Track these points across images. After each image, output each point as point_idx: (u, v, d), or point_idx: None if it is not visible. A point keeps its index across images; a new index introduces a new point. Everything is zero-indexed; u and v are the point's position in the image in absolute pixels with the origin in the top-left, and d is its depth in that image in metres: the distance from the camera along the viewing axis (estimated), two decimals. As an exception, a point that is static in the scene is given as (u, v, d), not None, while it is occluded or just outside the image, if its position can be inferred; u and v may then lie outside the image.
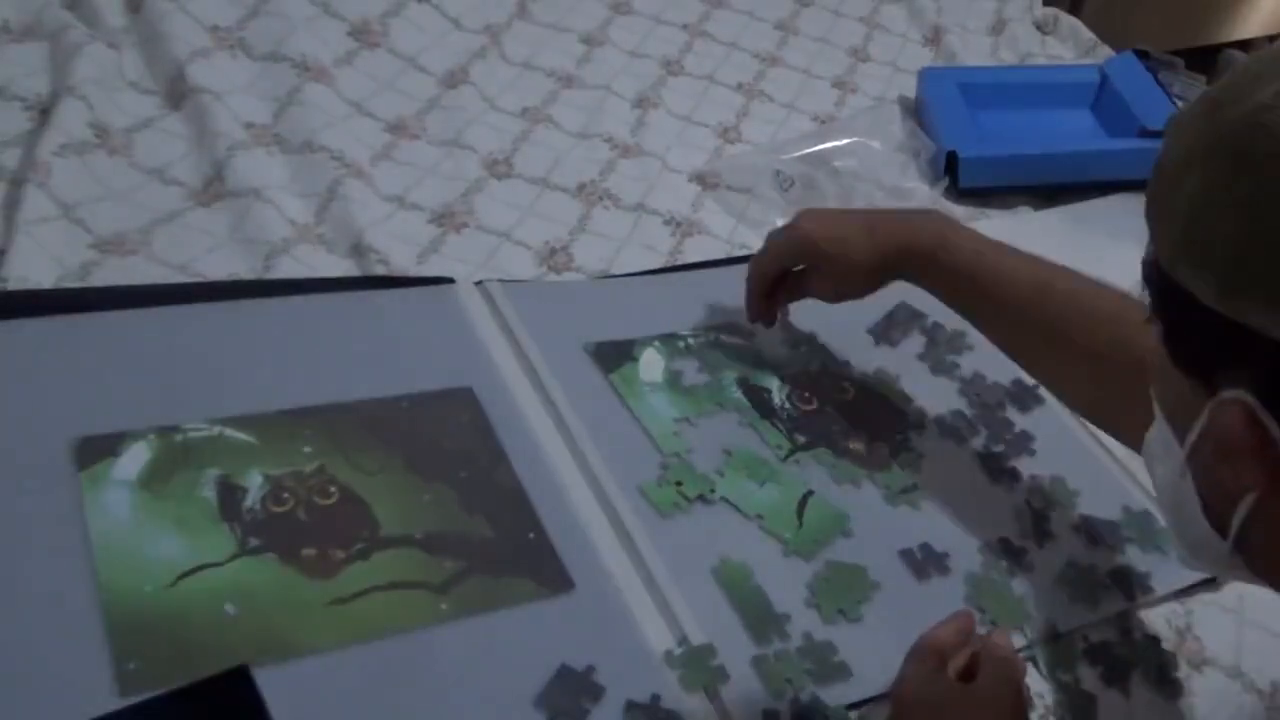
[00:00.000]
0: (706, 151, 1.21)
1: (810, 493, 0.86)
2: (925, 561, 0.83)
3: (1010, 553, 0.85)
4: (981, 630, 0.79)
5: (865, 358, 0.99)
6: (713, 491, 0.84)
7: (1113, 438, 0.87)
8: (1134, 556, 0.88)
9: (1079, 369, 0.81)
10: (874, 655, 0.75)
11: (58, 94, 0.98)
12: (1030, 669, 0.78)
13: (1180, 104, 0.52)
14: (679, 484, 0.83)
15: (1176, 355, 0.52)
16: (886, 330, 1.03)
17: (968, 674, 0.69)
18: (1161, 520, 0.89)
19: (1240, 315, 0.46)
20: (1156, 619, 0.84)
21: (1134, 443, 0.75)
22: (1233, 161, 0.46)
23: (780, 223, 1.12)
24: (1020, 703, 0.69)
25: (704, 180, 1.17)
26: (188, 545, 0.70)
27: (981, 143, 1.25)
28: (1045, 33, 1.63)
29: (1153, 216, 0.51)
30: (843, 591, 0.79)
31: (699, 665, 0.73)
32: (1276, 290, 0.45)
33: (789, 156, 1.19)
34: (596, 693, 0.69)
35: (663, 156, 1.18)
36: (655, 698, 0.70)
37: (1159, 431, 0.57)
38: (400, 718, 0.66)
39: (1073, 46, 1.61)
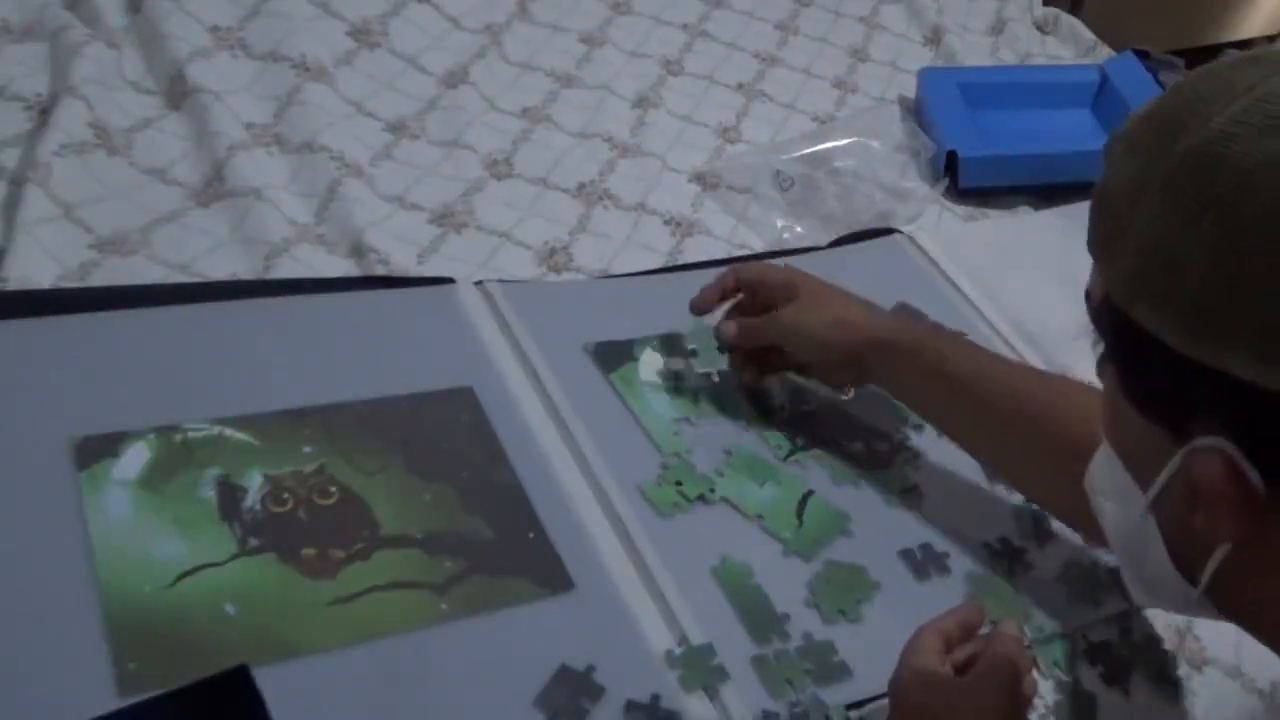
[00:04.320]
0: (706, 151, 1.21)
1: (810, 493, 0.86)
2: (925, 561, 0.83)
3: (1010, 553, 0.85)
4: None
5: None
6: (712, 491, 0.84)
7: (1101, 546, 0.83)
8: (1134, 556, 0.88)
9: (1060, 476, 0.74)
10: (874, 655, 0.75)
11: (58, 94, 0.98)
12: (1030, 669, 0.78)
13: (1123, 124, 0.47)
14: (679, 484, 0.83)
15: (1137, 400, 0.48)
16: (886, 330, 1.03)
17: (968, 667, 0.68)
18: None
19: (1213, 360, 0.42)
20: (1156, 619, 0.84)
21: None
22: (1195, 196, 0.42)
23: (780, 223, 1.13)
24: (1014, 703, 0.66)
25: (704, 180, 1.17)
26: (188, 545, 0.70)
27: (981, 143, 1.25)
28: (1045, 33, 1.63)
29: (1099, 246, 0.47)
30: (843, 591, 0.79)
31: (699, 665, 0.73)
32: (1251, 334, 0.41)
33: (789, 156, 1.19)
34: (596, 693, 0.69)
35: (663, 156, 1.18)
36: (655, 698, 0.70)
37: (1110, 469, 0.54)
38: (400, 718, 0.66)
39: (1073, 46, 1.61)
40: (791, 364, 0.90)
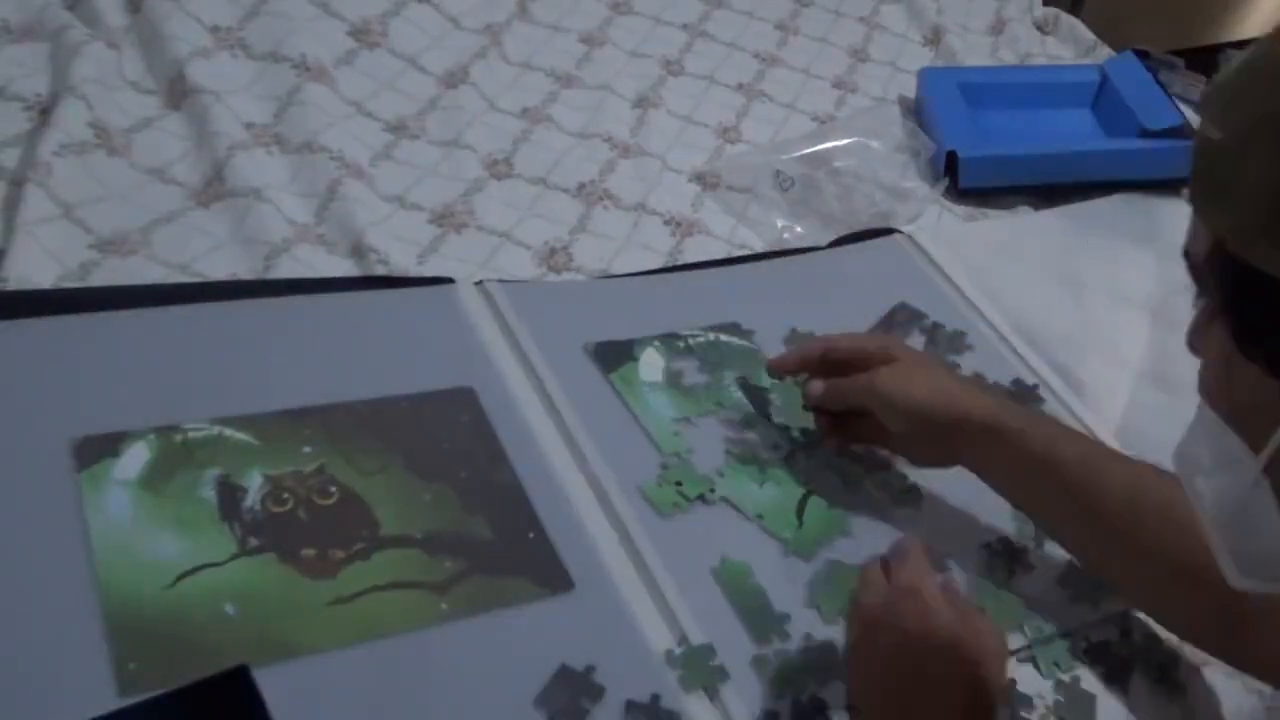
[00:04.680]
0: (706, 151, 1.21)
1: (810, 492, 0.86)
2: (925, 561, 0.83)
3: (1010, 553, 0.85)
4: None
5: (865, 358, 0.99)
6: (712, 491, 0.84)
7: (1224, 661, 0.77)
8: (1134, 556, 0.88)
9: (1150, 573, 0.74)
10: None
11: (58, 94, 0.98)
12: (1030, 669, 0.78)
13: (1219, 78, 0.47)
14: (679, 484, 0.83)
15: (1258, 350, 0.47)
16: (886, 330, 1.03)
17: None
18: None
19: None
20: (1157, 619, 0.84)
21: (1249, 667, 0.72)
22: None
23: (780, 223, 1.13)
24: (929, 625, 0.68)
25: (704, 180, 1.17)
26: (188, 545, 0.70)
27: (981, 143, 1.25)
28: (1045, 33, 1.63)
29: (1205, 199, 0.47)
30: (843, 592, 0.79)
31: (699, 665, 0.73)
32: None
33: (789, 156, 1.19)
34: (596, 693, 0.69)
35: (663, 156, 1.18)
36: (655, 698, 0.70)
37: (1211, 440, 0.52)
38: (400, 718, 0.66)
39: (1073, 46, 1.61)
40: (877, 437, 0.85)
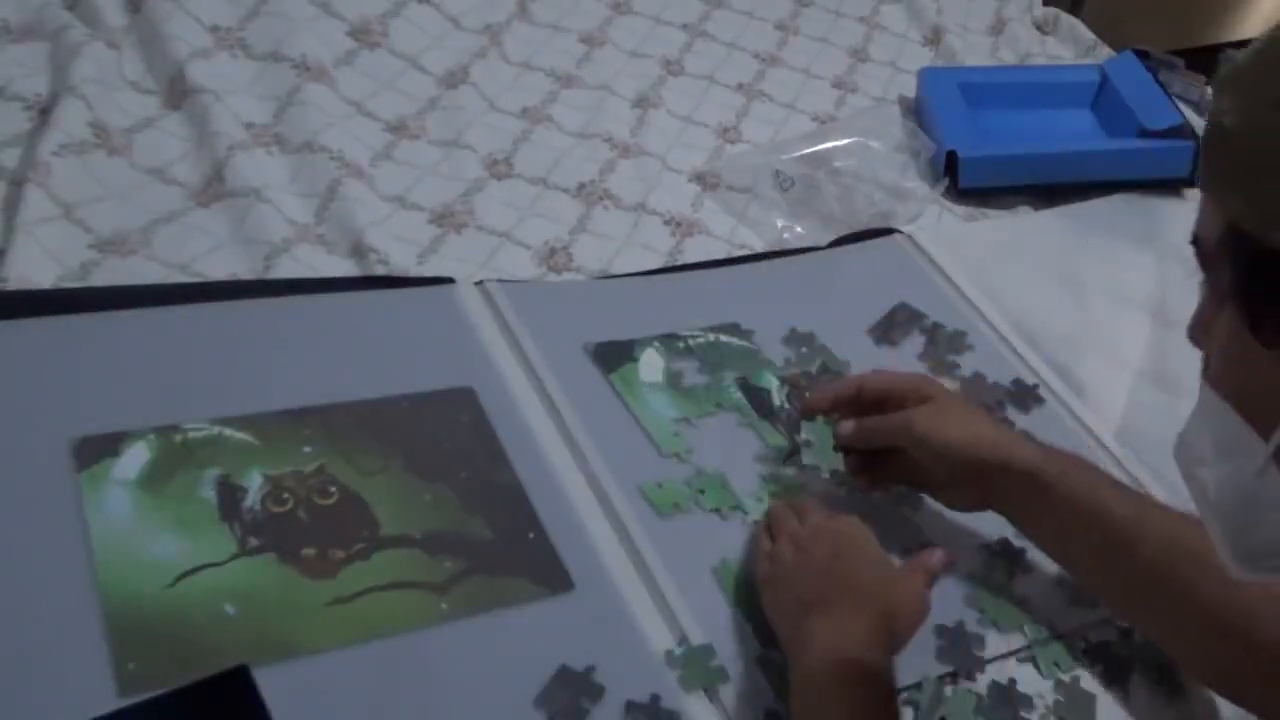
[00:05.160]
0: (706, 151, 1.21)
1: None
2: (925, 561, 0.83)
3: (1010, 553, 0.85)
4: (983, 630, 0.79)
5: (865, 358, 0.99)
6: (734, 508, 0.83)
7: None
8: (1134, 556, 0.88)
9: (1195, 631, 0.72)
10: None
11: (58, 94, 0.98)
12: (1030, 669, 0.78)
13: (1233, 64, 0.47)
14: (701, 492, 0.83)
15: (1269, 334, 0.46)
16: (886, 330, 1.03)
17: None
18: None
19: None
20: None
21: None
22: None
23: (780, 223, 1.13)
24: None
25: (704, 180, 1.17)
26: (188, 545, 0.70)
27: (981, 143, 1.25)
28: (1045, 33, 1.63)
29: (1218, 182, 0.47)
30: None
31: (699, 665, 0.73)
32: None
33: (789, 156, 1.19)
34: (596, 693, 0.69)
35: (663, 156, 1.18)
36: (655, 698, 0.70)
37: (1216, 428, 0.52)
38: (400, 718, 0.66)
39: (1073, 46, 1.61)
40: (908, 477, 0.83)
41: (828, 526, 0.77)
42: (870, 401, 0.83)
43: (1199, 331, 0.52)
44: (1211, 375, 0.52)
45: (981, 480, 0.79)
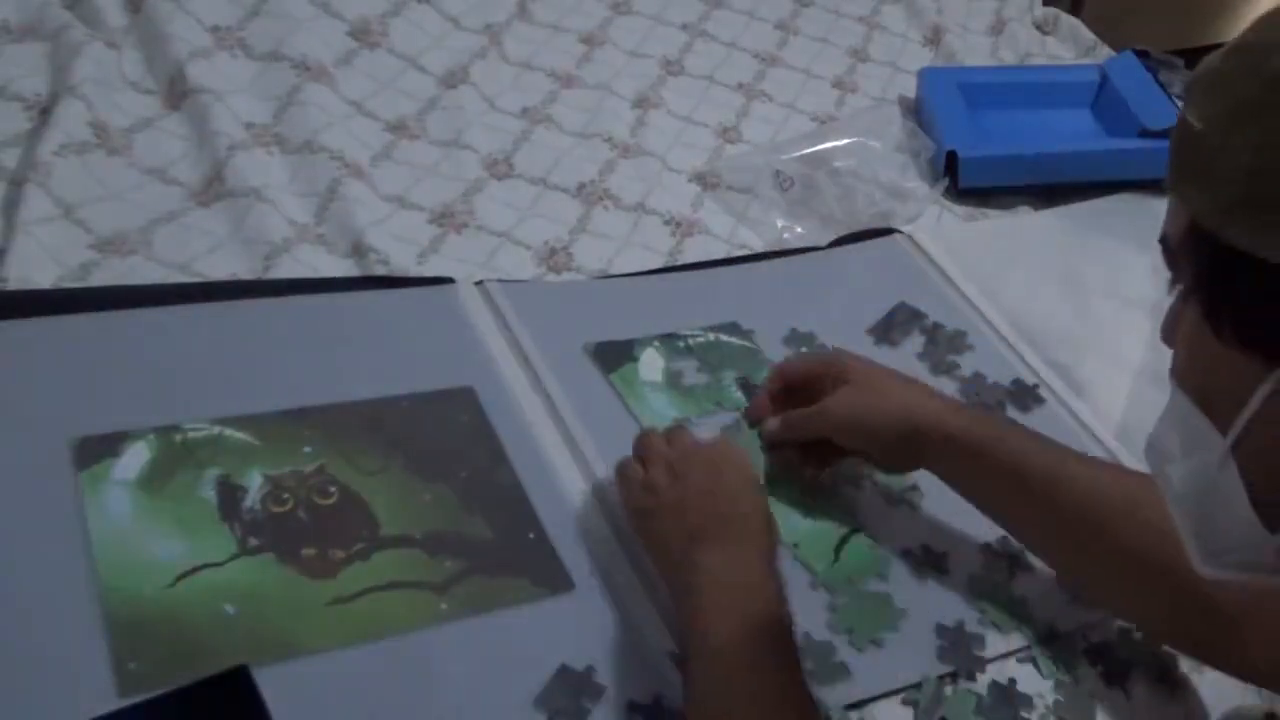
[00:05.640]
0: (706, 151, 1.21)
1: (855, 530, 0.84)
2: (925, 561, 0.83)
3: (1010, 553, 0.85)
4: (983, 630, 0.79)
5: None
6: None
7: (1182, 653, 0.80)
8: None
9: (1118, 574, 0.74)
10: (873, 655, 0.75)
11: (58, 94, 0.98)
12: (1030, 669, 0.78)
13: (1201, 66, 0.49)
14: None
15: (1227, 329, 0.48)
16: (886, 330, 1.03)
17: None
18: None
19: None
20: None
21: (1230, 668, 0.73)
22: None
23: (780, 223, 1.13)
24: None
25: (704, 180, 1.17)
26: (188, 545, 0.70)
27: (981, 143, 1.25)
28: (1045, 33, 1.63)
29: (1183, 181, 0.48)
30: (874, 617, 0.78)
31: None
32: None
33: (789, 156, 1.19)
34: (596, 693, 0.69)
35: (663, 156, 1.18)
36: (657, 699, 0.70)
37: (1178, 424, 0.54)
38: (400, 718, 0.66)
39: (1073, 46, 1.61)
40: (844, 452, 0.84)
41: (700, 450, 0.77)
42: (798, 389, 0.84)
43: (1169, 331, 0.53)
44: (1176, 372, 0.53)
45: (907, 450, 0.80)
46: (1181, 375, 0.53)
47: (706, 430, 0.88)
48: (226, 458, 0.76)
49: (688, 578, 0.70)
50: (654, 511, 0.75)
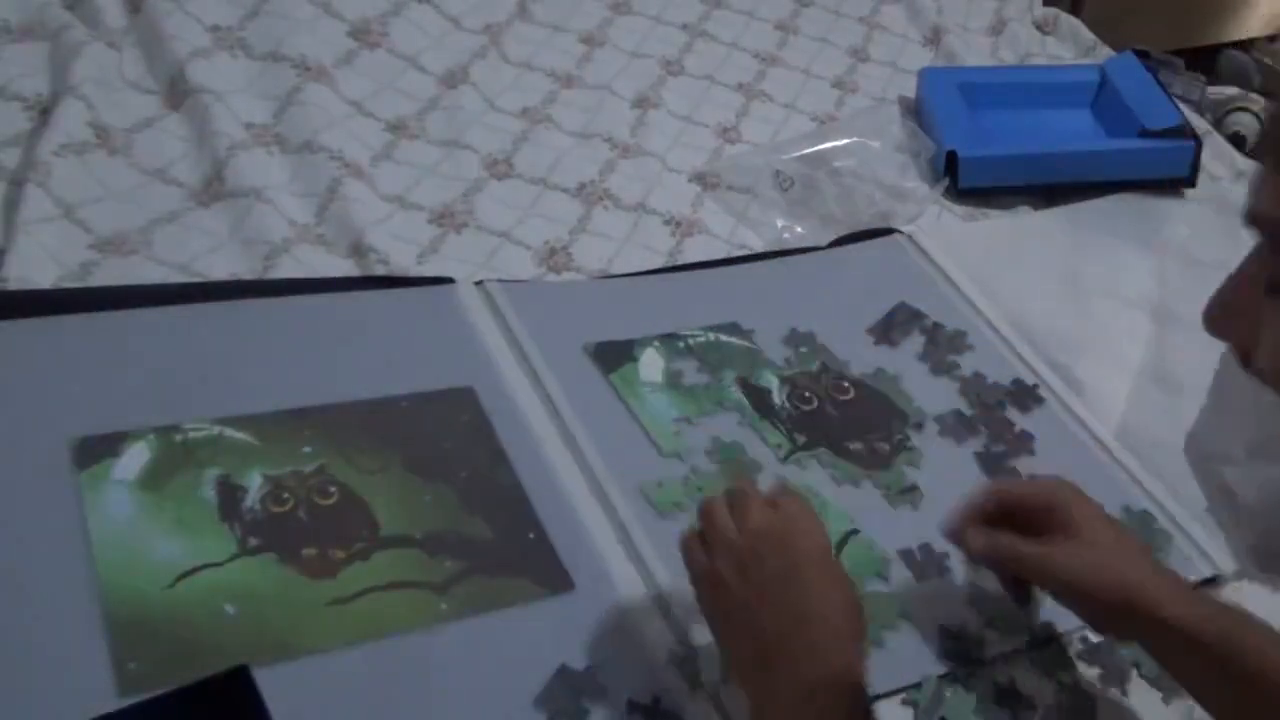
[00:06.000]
0: (706, 151, 1.21)
1: (854, 531, 0.84)
2: (925, 561, 0.83)
3: (1010, 553, 0.85)
4: (983, 630, 0.79)
5: (865, 358, 0.99)
6: None
7: None
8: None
9: None
10: (873, 655, 0.75)
11: (58, 94, 0.98)
12: (1030, 669, 0.78)
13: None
14: (700, 490, 0.83)
15: None
16: (886, 330, 1.03)
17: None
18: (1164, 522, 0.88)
19: None
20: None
21: None
22: None
23: (780, 223, 1.13)
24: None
25: (704, 180, 1.17)
26: (188, 545, 0.70)
27: (981, 143, 1.25)
28: (1045, 33, 1.63)
29: None
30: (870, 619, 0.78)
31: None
32: None
33: (789, 156, 1.19)
34: (596, 693, 0.69)
35: (663, 156, 1.18)
36: (656, 699, 0.70)
37: (1257, 427, 0.49)
38: (400, 718, 0.66)
39: (1073, 46, 1.61)
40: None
41: (770, 531, 0.68)
42: (1006, 513, 0.76)
43: (1226, 316, 0.49)
44: (1265, 369, 0.48)
45: (1116, 624, 0.73)
46: (1275, 372, 0.47)
47: (708, 429, 0.88)
48: (226, 458, 0.76)
49: (760, 701, 0.65)
50: (728, 614, 0.68)
